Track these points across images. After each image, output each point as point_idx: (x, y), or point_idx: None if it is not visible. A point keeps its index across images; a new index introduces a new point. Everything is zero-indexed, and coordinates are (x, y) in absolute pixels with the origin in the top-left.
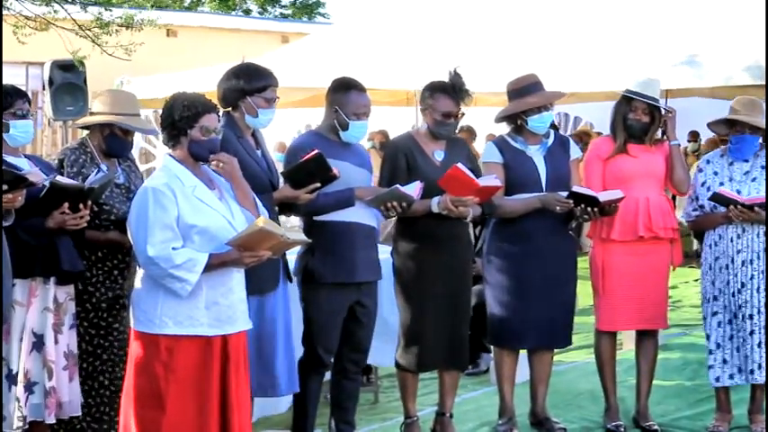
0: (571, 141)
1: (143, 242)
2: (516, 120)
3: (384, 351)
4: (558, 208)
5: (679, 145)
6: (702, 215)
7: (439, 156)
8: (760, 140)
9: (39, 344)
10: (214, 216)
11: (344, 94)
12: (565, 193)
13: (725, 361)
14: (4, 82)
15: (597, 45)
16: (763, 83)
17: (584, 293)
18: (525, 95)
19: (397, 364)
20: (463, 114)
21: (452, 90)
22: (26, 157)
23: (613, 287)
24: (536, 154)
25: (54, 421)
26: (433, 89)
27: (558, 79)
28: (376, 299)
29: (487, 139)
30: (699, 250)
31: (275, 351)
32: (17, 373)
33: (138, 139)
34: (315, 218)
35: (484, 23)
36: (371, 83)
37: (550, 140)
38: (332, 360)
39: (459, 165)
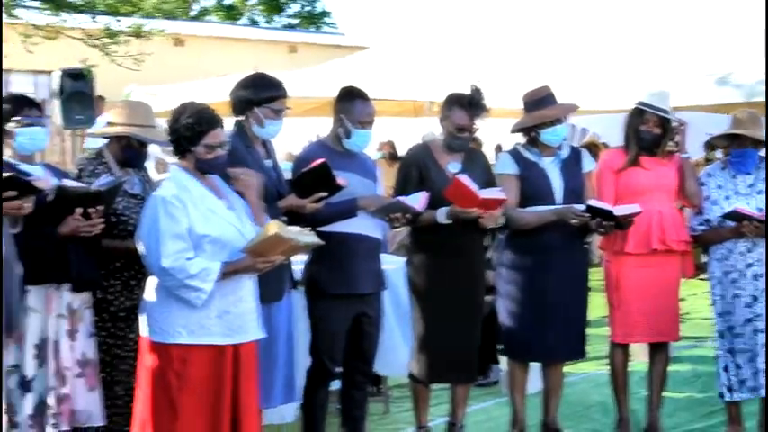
0: (584, 153)
1: (156, 253)
2: (530, 132)
3: (395, 361)
4: (573, 221)
5: (689, 158)
6: (709, 229)
7: (453, 168)
8: (760, 154)
9: (54, 351)
10: (224, 225)
11: (349, 102)
12: (581, 207)
13: (735, 375)
14: (12, 91)
15: (608, 58)
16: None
17: (596, 305)
18: (539, 108)
19: (410, 375)
20: (477, 129)
21: (468, 104)
22: (44, 165)
23: (627, 300)
24: (550, 166)
25: (68, 428)
26: (451, 102)
27: (569, 92)
28: (380, 309)
29: (495, 150)
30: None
31: (275, 361)
32: (31, 380)
33: (154, 150)
34: (318, 228)
35: (495, 36)
36: (380, 93)
37: (564, 152)
38: (339, 370)
39: (461, 176)
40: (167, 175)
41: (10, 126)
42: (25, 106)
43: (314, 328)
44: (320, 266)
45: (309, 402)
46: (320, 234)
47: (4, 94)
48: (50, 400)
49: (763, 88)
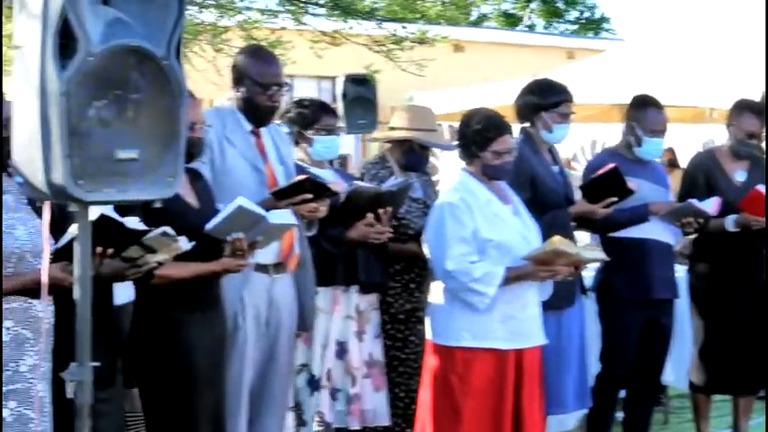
0: None
1: (441, 256)
2: None
3: (676, 370)
4: None
5: None
6: None
7: (740, 176)
8: None
9: (341, 351)
10: (509, 230)
11: (642, 110)
12: None
13: None
14: (301, 95)
15: None
16: None
17: None
18: None
19: (691, 384)
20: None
21: (759, 110)
22: (334, 170)
23: None
24: None
25: (358, 428)
26: (741, 107)
27: None
28: (672, 317)
29: None
30: None
31: (568, 368)
32: (319, 379)
33: None
34: (611, 234)
35: None
36: (659, 99)
37: None
38: (627, 377)
39: (760, 188)
40: (436, 177)
41: (309, 132)
42: (324, 114)
43: (605, 333)
44: (614, 271)
45: (598, 409)
46: (614, 239)
47: (292, 99)
48: (338, 405)
49: None
